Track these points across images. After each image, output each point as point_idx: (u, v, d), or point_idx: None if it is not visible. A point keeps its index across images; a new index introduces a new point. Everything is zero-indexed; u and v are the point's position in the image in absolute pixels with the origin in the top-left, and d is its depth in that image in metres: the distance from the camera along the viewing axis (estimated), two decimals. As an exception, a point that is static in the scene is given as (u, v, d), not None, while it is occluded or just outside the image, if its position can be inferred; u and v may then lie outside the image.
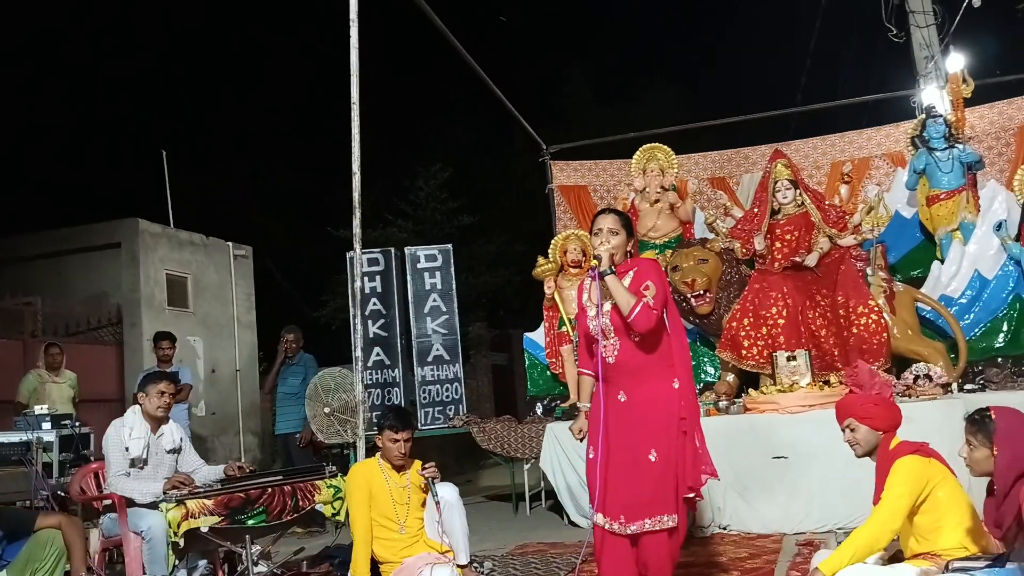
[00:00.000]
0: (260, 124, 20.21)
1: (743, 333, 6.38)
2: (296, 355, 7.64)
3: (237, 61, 20.36)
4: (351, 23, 5.44)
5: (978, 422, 2.95)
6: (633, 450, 3.47)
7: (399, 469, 4.26)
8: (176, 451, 4.65)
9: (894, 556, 3.27)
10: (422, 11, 6.82)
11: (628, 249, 3.67)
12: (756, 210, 6.96)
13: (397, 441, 4.19)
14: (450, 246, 8.20)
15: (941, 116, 7.12)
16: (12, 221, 13.39)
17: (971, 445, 2.96)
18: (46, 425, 5.79)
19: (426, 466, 4.22)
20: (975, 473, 3.00)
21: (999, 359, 6.23)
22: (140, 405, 4.58)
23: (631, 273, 3.58)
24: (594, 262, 3.54)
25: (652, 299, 3.43)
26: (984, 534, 3.04)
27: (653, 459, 3.44)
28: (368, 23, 5.61)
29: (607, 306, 3.54)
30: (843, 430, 3.38)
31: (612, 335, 3.55)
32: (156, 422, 4.59)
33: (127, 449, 4.41)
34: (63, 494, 5.39)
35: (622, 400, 3.55)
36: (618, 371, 3.56)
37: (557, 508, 6.59)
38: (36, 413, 6.05)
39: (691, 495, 3.51)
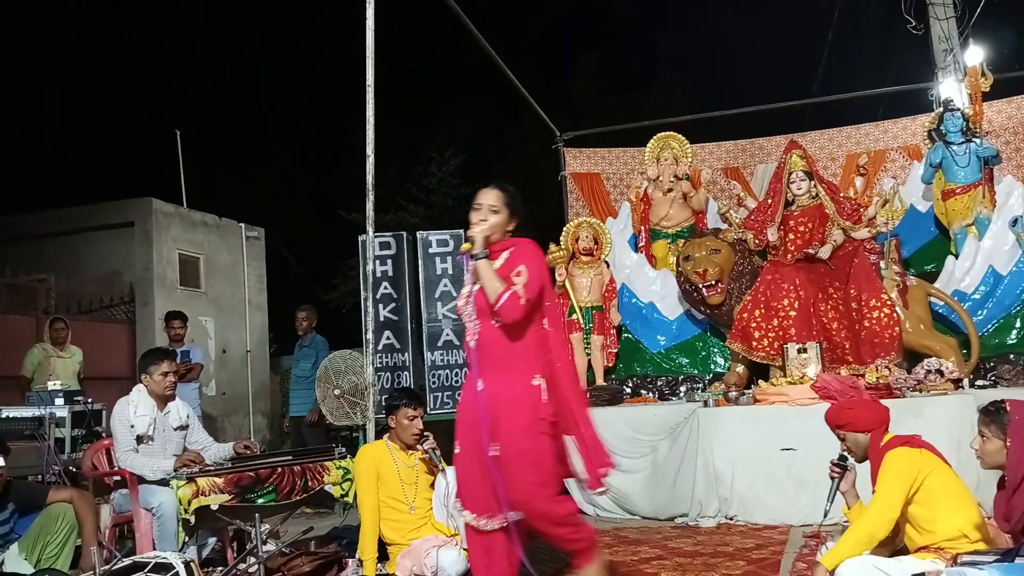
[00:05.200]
0: (274, 107, 20.27)
1: (754, 324, 6.37)
2: (308, 335, 7.72)
3: (251, 45, 20.37)
4: (367, 4, 5.43)
5: (992, 413, 2.94)
6: (479, 443, 3.21)
7: (407, 449, 4.29)
8: (183, 428, 4.69)
9: (901, 549, 3.27)
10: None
11: (508, 228, 3.37)
12: (770, 201, 6.92)
13: (414, 418, 4.22)
14: (462, 231, 8.17)
15: (959, 110, 7.05)
16: (27, 199, 13.51)
17: (984, 436, 2.95)
18: (59, 401, 5.82)
19: (423, 440, 4.25)
20: (986, 465, 2.99)
21: (1011, 355, 6.18)
22: (145, 384, 4.62)
23: (505, 254, 3.30)
24: (466, 245, 3.27)
25: (523, 287, 3.17)
26: (984, 522, 3.04)
27: (495, 454, 3.16)
28: (382, 7, 5.60)
29: (476, 287, 3.31)
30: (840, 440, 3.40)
31: (475, 318, 3.31)
32: (162, 400, 4.63)
33: (132, 427, 4.46)
34: (75, 469, 5.44)
35: (479, 389, 3.26)
36: (480, 358, 3.29)
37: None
38: (49, 388, 6.10)
39: (598, 491, 3.31)
